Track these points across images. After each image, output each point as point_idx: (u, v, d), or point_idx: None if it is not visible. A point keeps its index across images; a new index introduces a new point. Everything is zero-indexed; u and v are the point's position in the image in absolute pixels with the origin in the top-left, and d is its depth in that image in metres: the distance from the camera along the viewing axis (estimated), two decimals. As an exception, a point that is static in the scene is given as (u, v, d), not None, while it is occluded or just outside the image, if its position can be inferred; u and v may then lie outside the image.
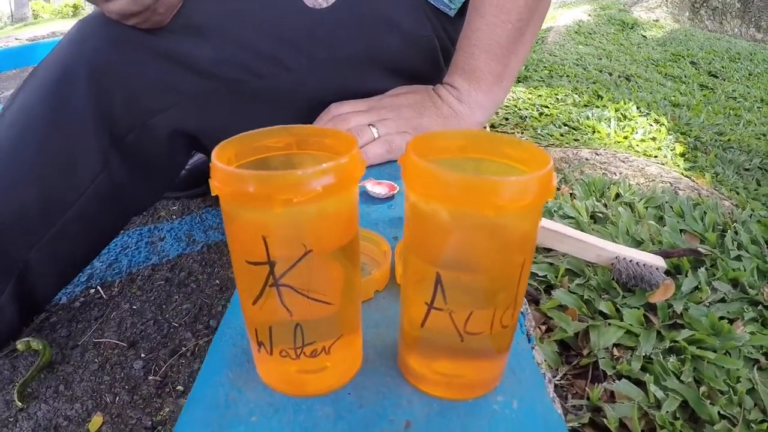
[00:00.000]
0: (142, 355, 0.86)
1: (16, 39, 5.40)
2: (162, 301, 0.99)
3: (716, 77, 3.53)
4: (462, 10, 0.89)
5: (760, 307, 0.93)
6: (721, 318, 0.87)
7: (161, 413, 0.77)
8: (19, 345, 0.83)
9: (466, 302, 0.38)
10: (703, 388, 0.74)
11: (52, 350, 0.84)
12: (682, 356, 0.80)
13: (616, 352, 0.80)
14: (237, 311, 0.51)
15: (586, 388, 0.75)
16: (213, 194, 0.34)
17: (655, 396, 0.73)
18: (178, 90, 0.77)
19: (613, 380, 0.76)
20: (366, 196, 0.72)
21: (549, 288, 0.92)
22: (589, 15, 4.92)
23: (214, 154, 0.35)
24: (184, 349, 0.87)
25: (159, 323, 0.93)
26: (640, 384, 0.75)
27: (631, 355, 0.80)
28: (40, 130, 0.73)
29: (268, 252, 0.35)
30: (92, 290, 1.01)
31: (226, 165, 0.34)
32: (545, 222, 0.90)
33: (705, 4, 5.63)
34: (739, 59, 4.17)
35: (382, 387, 0.43)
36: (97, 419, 0.75)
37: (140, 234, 1.22)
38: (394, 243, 0.62)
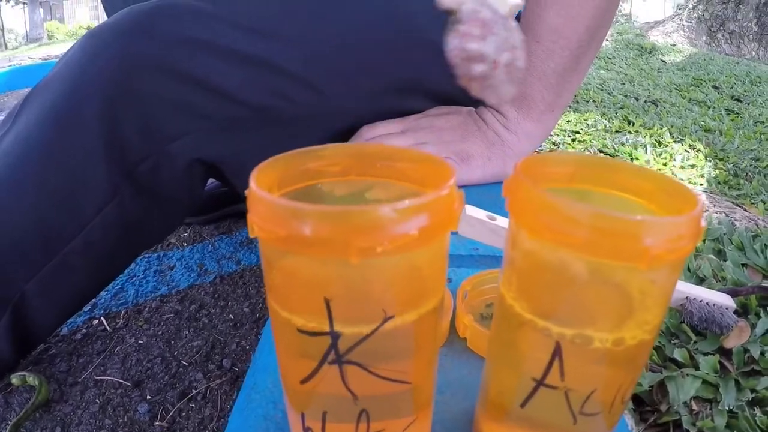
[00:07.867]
0: (148, 397, 0.77)
1: (29, 58, 5.38)
2: (171, 336, 0.89)
3: (740, 101, 3.44)
4: None
5: None
6: (807, 364, 0.76)
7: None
8: (14, 379, 0.76)
9: (590, 379, 0.30)
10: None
11: (49, 387, 0.76)
12: (767, 408, 0.69)
13: (694, 405, 0.70)
14: (267, 369, 0.41)
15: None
16: (252, 236, 0.25)
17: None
18: (201, 115, 0.69)
19: (696, 440, 0.65)
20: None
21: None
22: (607, 40, 4.86)
23: (252, 179, 0.26)
24: (194, 391, 0.78)
25: (167, 361, 0.83)
26: (728, 445, 0.64)
27: (710, 409, 0.69)
28: (41, 159, 0.67)
29: (331, 320, 0.26)
30: (95, 321, 0.93)
31: (268, 194, 0.25)
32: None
33: (722, 28, 5.57)
34: (760, 83, 4.08)
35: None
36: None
37: (148, 262, 1.13)
38: (450, 286, 0.52)
